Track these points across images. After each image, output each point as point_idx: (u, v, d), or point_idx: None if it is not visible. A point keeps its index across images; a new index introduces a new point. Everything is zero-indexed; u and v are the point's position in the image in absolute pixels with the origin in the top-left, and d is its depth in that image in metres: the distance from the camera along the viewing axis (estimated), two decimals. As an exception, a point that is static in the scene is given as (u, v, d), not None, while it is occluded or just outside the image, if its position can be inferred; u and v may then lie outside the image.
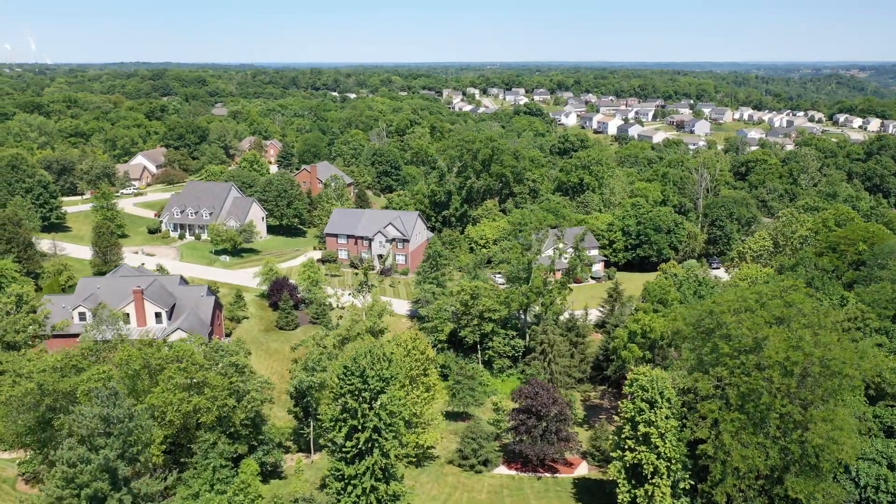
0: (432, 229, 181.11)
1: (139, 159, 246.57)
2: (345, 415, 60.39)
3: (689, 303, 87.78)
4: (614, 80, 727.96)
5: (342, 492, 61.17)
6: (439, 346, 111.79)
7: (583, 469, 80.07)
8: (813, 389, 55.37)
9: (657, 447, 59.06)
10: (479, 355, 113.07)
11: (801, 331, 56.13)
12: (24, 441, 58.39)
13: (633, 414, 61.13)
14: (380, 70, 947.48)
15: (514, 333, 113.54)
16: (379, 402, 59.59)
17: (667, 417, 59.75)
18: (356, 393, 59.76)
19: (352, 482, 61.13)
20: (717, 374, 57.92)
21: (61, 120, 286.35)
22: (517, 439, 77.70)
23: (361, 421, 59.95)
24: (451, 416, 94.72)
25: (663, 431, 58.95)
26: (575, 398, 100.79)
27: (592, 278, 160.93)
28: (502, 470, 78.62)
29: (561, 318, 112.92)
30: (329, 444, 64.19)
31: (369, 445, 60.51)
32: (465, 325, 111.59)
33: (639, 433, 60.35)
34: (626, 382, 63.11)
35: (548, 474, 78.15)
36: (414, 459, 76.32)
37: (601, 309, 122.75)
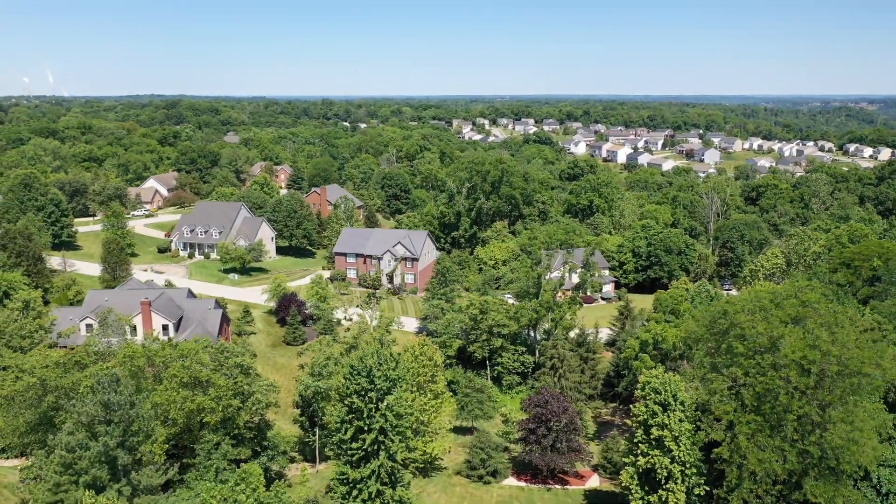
0: (441, 250, 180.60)
1: (151, 183, 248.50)
2: (351, 416, 59.23)
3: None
4: (623, 111, 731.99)
5: (347, 496, 59.70)
6: (448, 361, 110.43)
7: (594, 481, 78.15)
8: (831, 389, 53.83)
9: (671, 451, 57.45)
10: (489, 371, 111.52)
11: (817, 330, 54.81)
12: (26, 440, 57.41)
13: (645, 417, 59.64)
14: (390, 102, 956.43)
15: (524, 349, 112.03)
16: (385, 403, 58.46)
17: (680, 420, 58.24)
18: (362, 393, 58.66)
19: (357, 486, 59.73)
20: (731, 374, 56.49)
21: (75, 145, 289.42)
22: (527, 449, 76.02)
23: (367, 422, 58.76)
24: (459, 430, 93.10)
25: (677, 434, 57.38)
26: (586, 414, 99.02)
27: (603, 299, 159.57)
28: (511, 481, 76.81)
29: (571, 333, 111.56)
30: (334, 448, 62.96)
31: (375, 447, 59.20)
32: (473, 341, 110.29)
33: (652, 437, 58.84)
34: (639, 386, 61.71)
35: (558, 486, 76.28)
36: (421, 465, 74.65)
37: (612, 327, 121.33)
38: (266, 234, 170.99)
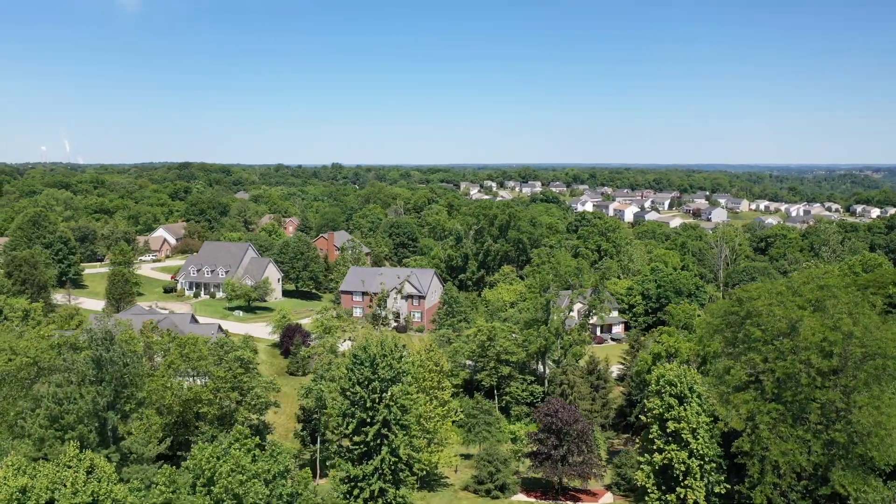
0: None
1: (160, 232, 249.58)
2: (353, 408, 56.91)
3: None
4: (629, 175, 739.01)
5: (349, 494, 56.79)
6: (455, 391, 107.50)
7: (607, 499, 74.39)
8: (854, 374, 51.45)
9: (688, 444, 54.63)
10: (497, 402, 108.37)
11: (837, 314, 52.83)
12: (21, 432, 54.96)
13: (661, 411, 57.06)
14: (399, 168, 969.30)
15: (532, 378, 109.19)
16: (389, 394, 56.22)
17: (698, 413, 55.64)
18: (365, 383, 56.55)
19: (359, 484, 56.90)
20: (749, 360, 54.19)
21: (87, 198, 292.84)
22: (537, 462, 72.71)
23: (370, 414, 56.39)
24: (467, 458, 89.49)
25: (695, 427, 54.66)
26: (599, 447, 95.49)
27: (613, 339, 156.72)
28: (521, 497, 73.23)
29: (581, 362, 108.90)
30: (336, 448, 60.40)
31: (378, 442, 56.63)
32: (481, 369, 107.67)
33: (668, 431, 56.08)
34: (653, 379, 59.35)
35: (570, 503, 72.61)
36: (425, 477, 71.32)
37: (622, 361, 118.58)
38: (273, 275, 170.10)
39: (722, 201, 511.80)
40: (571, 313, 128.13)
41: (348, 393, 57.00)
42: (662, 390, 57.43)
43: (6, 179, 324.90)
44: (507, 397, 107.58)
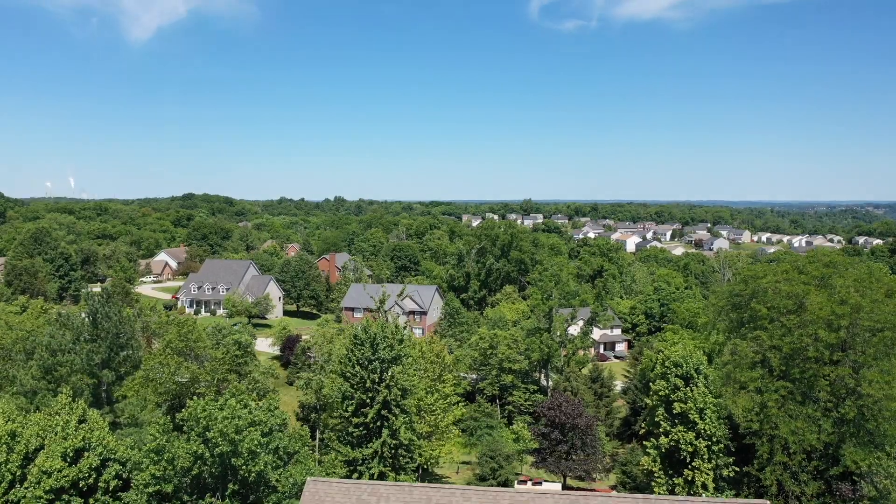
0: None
1: (162, 256, 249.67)
2: (353, 389, 55.84)
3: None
4: (631, 208, 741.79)
5: (347, 478, 55.33)
6: (456, 401, 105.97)
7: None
8: (863, 350, 50.54)
9: (695, 424, 53.46)
10: (499, 412, 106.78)
11: (843, 290, 52.16)
12: (11, 388, 53.75)
13: (666, 393, 56.04)
14: (401, 202, 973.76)
15: (535, 388, 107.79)
16: (390, 373, 55.23)
17: (704, 394, 54.56)
18: (365, 363, 55.63)
19: (358, 468, 55.62)
20: (756, 337, 53.29)
21: (90, 223, 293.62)
22: (540, 458, 71.20)
23: (370, 395, 55.34)
24: (467, 464, 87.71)
25: (702, 407, 53.56)
26: (604, 445, 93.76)
27: (616, 357, 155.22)
28: (524, 495, 71.32)
29: (584, 370, 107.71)
30: (335, 433, 59.18)
31: (378, 424, 55.45)
32: (483, 378, 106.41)
33: (674, 413, 54.98)
34: (657, 360, 58.38)
35: (574, 501, 70.74)
36: (426, 467, 69.70)
37: (626, 374, 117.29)
38: (274, 293, 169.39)
39: (724, 233, 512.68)
40: (573, 327, 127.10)
41: (348, 374, 56.06)
42: (668, 372, 56.47)
43: (10, 206, 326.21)
44: (510, 406, 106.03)
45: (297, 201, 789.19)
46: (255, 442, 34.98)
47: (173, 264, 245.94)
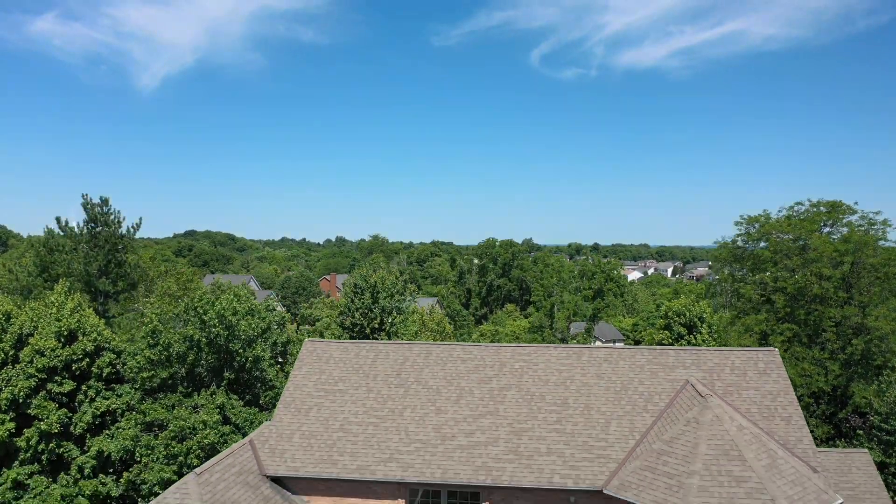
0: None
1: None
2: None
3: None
4: (632, 248, 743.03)
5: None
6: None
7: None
8: (869, 289, 50.07)
9: (700, 370, 52.63)
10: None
11: (851, 230, 52.04)
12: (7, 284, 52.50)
13: (671, 342, 55.31)
14: (402, 242, 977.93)
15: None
16: (389, 321, 54.60)
17: (707, 342, 53.91)
18: (365, 311, 55.04)
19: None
20: (760, 279, 52.86)
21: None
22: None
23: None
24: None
25: (706, 352, 52.81)
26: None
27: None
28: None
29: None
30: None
31: (377, 374, 54.55)
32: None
33: (678, 361, 54.18)
34: (661, 313, 57.80)
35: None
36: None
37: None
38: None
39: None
40: (574, 330, 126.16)
41: (347, 324, 55.45)
42: (671, 322, 55.88)
43: (11, 235, 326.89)
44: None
45: (299, 241, 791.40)
46: (252, 327, 34.51)
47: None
